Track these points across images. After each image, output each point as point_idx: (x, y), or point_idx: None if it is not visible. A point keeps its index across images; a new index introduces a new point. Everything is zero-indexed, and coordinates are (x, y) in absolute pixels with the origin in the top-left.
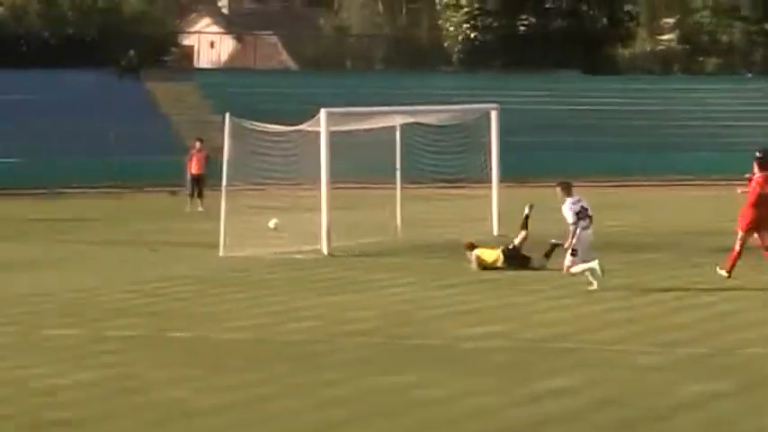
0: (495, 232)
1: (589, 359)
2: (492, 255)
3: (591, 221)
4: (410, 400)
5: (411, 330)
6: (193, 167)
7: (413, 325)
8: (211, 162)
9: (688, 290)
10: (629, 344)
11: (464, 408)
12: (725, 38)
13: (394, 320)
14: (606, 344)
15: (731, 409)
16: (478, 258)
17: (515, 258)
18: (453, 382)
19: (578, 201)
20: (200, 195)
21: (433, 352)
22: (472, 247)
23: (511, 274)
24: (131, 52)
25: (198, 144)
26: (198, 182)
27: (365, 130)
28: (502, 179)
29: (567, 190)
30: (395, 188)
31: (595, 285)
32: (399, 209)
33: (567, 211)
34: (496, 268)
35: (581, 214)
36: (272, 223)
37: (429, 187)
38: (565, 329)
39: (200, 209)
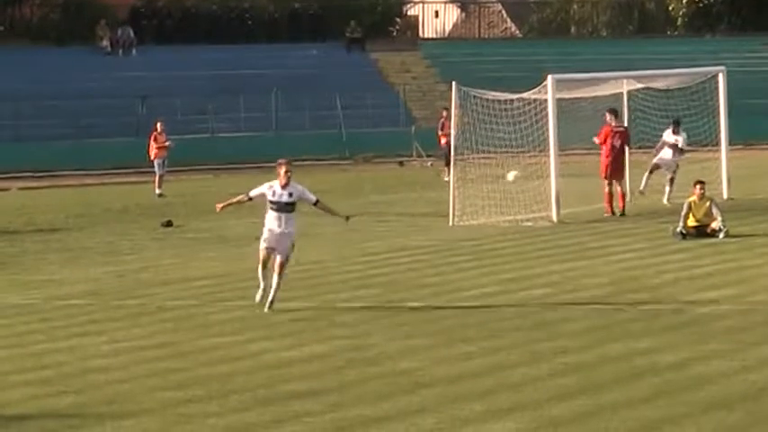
0: (725, 196)
1: None
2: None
3: None
4: (644, 366)
5: (643, 296)
6: (443, 136)
7: (645, 291)
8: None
9: None
10: None
11: (698, 373)
12: None
13: (626, 286)
14: None
15: None
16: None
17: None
18: (686, 348)
19: None
20: (447, 164)
21: (665, 317)
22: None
23: (740, 238)
24: (352, 23)
25: (445, 113)
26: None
27: (592, 97)
28: (730, 143)
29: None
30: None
31: None
32: (627, 174)
33: None
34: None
35: None
36: (510, 176)
37: None
38: None
39: (446, 178)
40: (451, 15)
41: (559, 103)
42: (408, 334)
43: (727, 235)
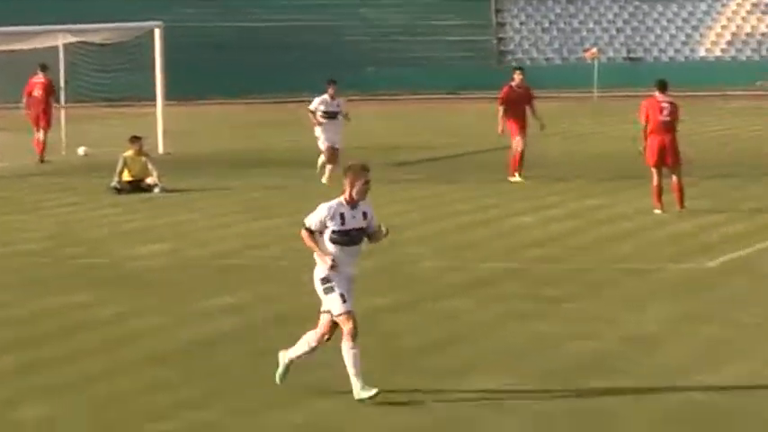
0: (161, 150)
1: (257, 276)
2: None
3: None
4: (81, 319)
5: (79, 250)
6: None
7: (81, 245)
8: None
9: None
10: (296, 260)
11: (134, 327)
12: None
13: (62, 241)
14: (273, 260)
15: (397, 324)
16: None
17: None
18: (123, 302)
19: None
20: None
21: (101, 271)
22: None
23: (176, 193)
24: None
25: None
26: None
27: (25, 49)
28: (167, 97)
29: None
30: (59, 107)
31: None
32: (64, 129)
33: None
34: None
35: None
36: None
37: (96, 106)
38: (231, 246)
39: None
40: None
41: None
42: None
43: (163, 190)
